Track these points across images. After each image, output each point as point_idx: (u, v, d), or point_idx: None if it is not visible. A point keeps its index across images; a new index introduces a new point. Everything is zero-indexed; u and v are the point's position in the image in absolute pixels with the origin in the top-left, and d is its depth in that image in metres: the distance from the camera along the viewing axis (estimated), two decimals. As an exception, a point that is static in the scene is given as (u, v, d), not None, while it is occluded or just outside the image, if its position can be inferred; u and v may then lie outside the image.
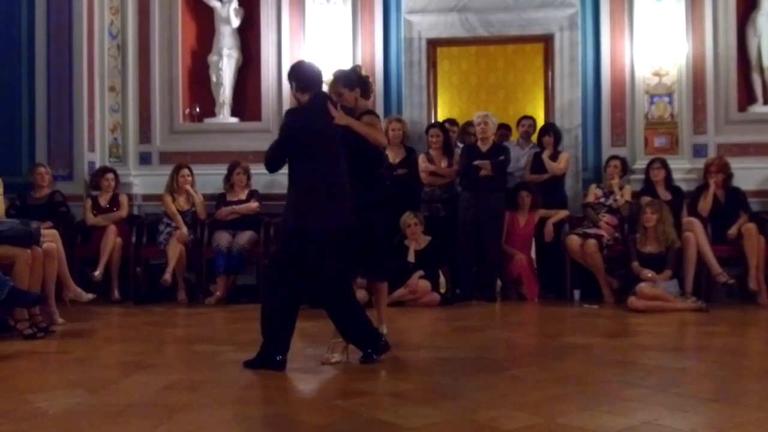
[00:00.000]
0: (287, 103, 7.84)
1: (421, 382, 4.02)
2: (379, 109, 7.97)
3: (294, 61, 7.86)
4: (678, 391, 3.74)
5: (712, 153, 7.59)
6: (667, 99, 7.63)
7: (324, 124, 4.41)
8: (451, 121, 8.06)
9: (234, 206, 7.49)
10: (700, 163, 7.48)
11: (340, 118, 4.46)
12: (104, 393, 3.87)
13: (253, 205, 7.50)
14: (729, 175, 7.26)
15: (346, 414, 3.39)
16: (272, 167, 4.48)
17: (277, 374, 4.22)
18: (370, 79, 4.85)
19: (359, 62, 7.99)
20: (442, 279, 7.47)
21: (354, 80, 4.81)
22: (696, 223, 6.99)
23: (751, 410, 3.42)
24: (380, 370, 4.29)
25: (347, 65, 7.80)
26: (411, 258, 6.98)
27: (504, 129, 8.62)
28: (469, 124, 7.88)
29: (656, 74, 7.64)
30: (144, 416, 3.41)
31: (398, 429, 3.15)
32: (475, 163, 7.09)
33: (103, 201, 7.67)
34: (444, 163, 7.44)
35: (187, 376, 4.34)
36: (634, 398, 3.63)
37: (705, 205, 7.19)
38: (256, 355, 4.33)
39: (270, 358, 4.26)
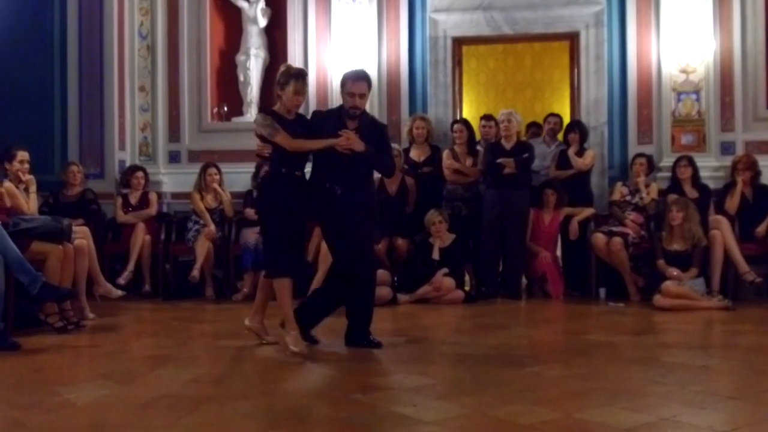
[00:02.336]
0: (313, 102, 7.91)
1: (440, 377, 4.07)
2: (404, 108, 8.07)
3: (319, 59, 8.05)
4: (698, 389, 3.73)
5: (739, 150, 7.51)
6: (694, 96, 7.57)
7: None
8: (488, 117, 7.98)
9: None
10: (728, 161, 7.41)
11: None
12: (131, 385, 3.98)
13: None
14: (757, 173, 7.18)
15: (365, 408, 3.44)
16: None
17: (299, 369, 4.31)
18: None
19: (385, 61, 8.06)
20: (467, 277, 7.53)
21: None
22: (723, 221, 6.94)
23: (769, 408, 3.42)
24: (401, 365, 4.34)
25: (373, 64, 7.93)
26: (435, 255, 7.01)
27: (535, 127, 8.63)
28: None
29: (683, 71, 7.58)
30: (169, 408, 3.50)
31: (415, 423, 3.19)
32: (499, 160, 7.10)
33: (133, 199, 7.82)
34: (468, 162, 7.46)
35: (212, 369, 4.43)
36: (654, 395, 3.63)
37: (732, 203, 7.12)
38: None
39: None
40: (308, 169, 4.97)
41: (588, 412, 3.35)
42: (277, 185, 4.79)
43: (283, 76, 4.84)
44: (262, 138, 4.81)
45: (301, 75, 4.83)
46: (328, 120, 4.89)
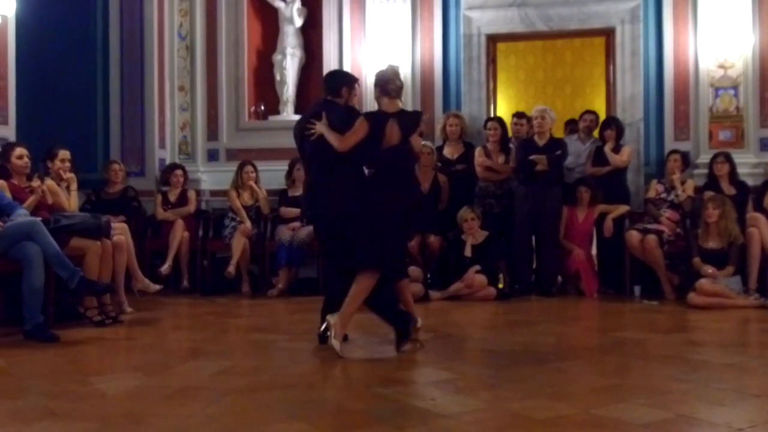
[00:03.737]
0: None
1: (462, 372, 4.10)
2: (438, 105, 8.09)
3: (354, 58, 8.13)
4: (720, 386, 3.72)
5: (779, 146, 7.39)
6: (732, 92, 7.45)
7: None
8: (520, 115, 8.00)
9: (296, 210, 7.59)
10: (767, 158, 7.28)
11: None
12: (161, 377, 4.10)
13: None
14: (797, 170, 7.06)
15: (384, 400, 3.50)
16: None
17: (326, 362, 4.39)
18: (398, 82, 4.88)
19: (419, 59, 8.11)
20: (501, 274, 7.53)
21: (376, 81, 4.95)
22: (761, 218, 6.81)
23: (792, 406, 3.38)
24: (424, 360, 4.38)
25: (407, 62, 7.99)
26: (468, 252, 7.04)
27: (572, 124, 8.58)
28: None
29: (721, 66, 7.47)
30: (194, 398, 3.61)
31: (432, 416, 3.24)
32: (531, 157, 7.10)
33: (173, 196, 8.00)
34: (501, 159, 7.46)
35: (241, 362, 4.55)
36: (675, 392, 3.62)
37: (771, 200, 7.00)
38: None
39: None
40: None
41: (605, 408, 3.36)
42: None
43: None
44: None
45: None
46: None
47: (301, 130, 4.89)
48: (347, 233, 4.65)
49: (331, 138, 4.67)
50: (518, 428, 3.09)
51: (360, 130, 4.64)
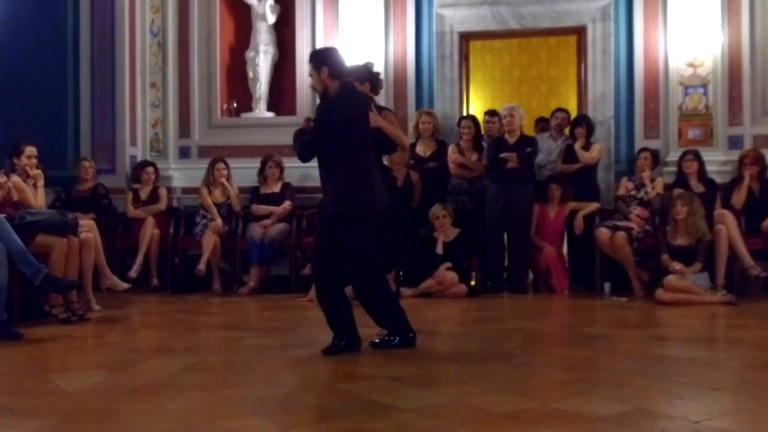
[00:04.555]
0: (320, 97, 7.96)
1: (427, 368, 4.10)
2: (411, 103, 8.09)
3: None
4: (682, 380, 3.74)
5: (747, 144, 7.44)
6: (701, 90, 7.51)
7: (357, 114, 4.52)
8: (492, 113, 8.02)
9: (268, 207, 7.63)
10: (735, 155, 7.35)
11: (374, 119, 4.62)
12: (123, 373, 4.07)
13: (287, 206, 7.63)
14: (764, 167, 7.12)
15: (346, 396, 3.50)
16: (307, 156, 4.54)
17: (291, 359, 4.38)
18: (381, 77, 4.91)
19: (392, 56, 8.11)
20: (473, 271, 7.55)
21: (365, 75, 4.92)
22: (728, 215, 6.89)
23: (748, 399, 3.41)
24: (388, 356, 4.38)
25: (380, 59, 7.98)
26: (439, 250, 7.05)
27: (543, 122, 8.61)
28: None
29: (690, 65, 7.53)
30: (156, 394, 3.58)
31: (393, 410, 3.24)
32: (502, 155, 7.12)
33: (144, 194, 7.94)
34: (474, 157, 7.48)
35: (207, 359, 4.53)
36: (636, 386, 3.65)
37: (739, 197, 7.07)
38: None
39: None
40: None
41: (566, 401, 3.38)
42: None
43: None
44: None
45: None
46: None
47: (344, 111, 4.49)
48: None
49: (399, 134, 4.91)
50: (477, 422, 3.09)
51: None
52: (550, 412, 3.23)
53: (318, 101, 4.84)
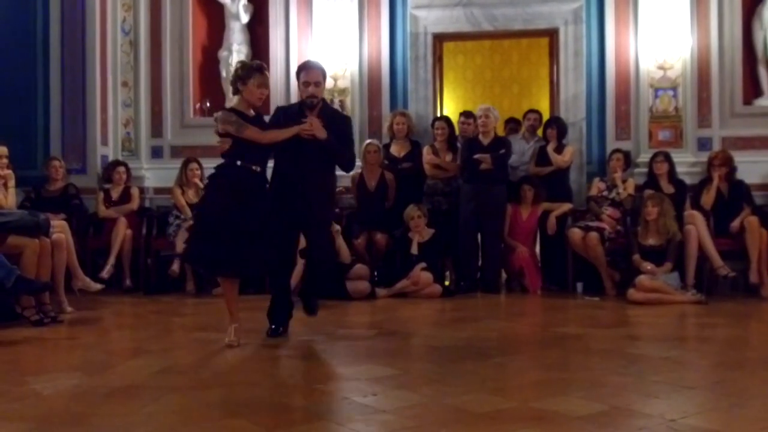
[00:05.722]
0: (294, 97, 7.95)
1: (404, 368, 4.12)
2: (385, 104, 8.12)
3: (301, 55, 8.09)
4: (656, 379, 3.80)
5: (716, 146, 7.58)
6: (671, 92, 7.64)
7: None
8: (467, 114, 8.06)
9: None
10: (704, 157, 7.48)
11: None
12: (100, 376, 4.03)
13: None
14: (732, 169, 7.26)
15: (325, 396, 3.52)
16: None
17: (269, 360, 4.37)
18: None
19: (366, 57, 8.11)
20: (447, 271, 7.59)
21: None
22: (697, 216, 7.01)
23: (721, 397, 3.48)
24: (368, 357, 4.40)
25: (354, 60, 8.00)
26: (414, 250, 7.08)
27: (513, 123, 8.69)
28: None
29: (661, 68, 7.65)
30: (133, 397, 3.56)
31: (372, 411, 3.25)
32: (476, 156, 7.17)
33: (115, 194, 7.86)
34: (448, 157, 7.52)
35: (183, 360, 4.50)
36: (612, 385, 3.70)
37: (708, 198, 7.20)
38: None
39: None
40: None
41: (544, 401, 3.42)
42: (231, 177, 4.72)
43: (243, 70, 4.79)
44: (223, 135, 4.76)
45: (261, 68, 4.82)
46: (290, 113, 4.96)
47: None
48: None
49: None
50: (458, 422, 3.12)
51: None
52: (529, 411, 3.27)
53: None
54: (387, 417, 3.16)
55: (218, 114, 4.91)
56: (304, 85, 4.89)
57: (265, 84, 4.79)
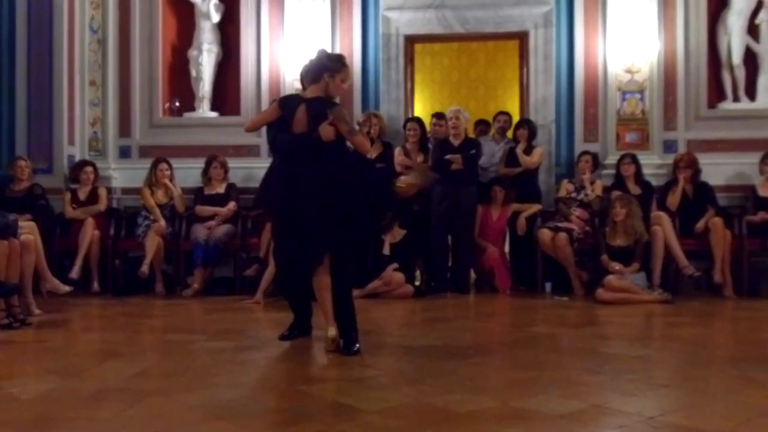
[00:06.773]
0: (266, 97, 7.96)
1: (385, 368, 4.15)
2: (357, 105, 8.13)
3: (272, 55, 8.07)
4: (631, 378, 3.88)
5: (682, 149, 7.74)
6: (638, 95, 7.78)
7: None
8: (439, 115, 8.08)
9: (213, 208, 7.57)
10: (670, 159, 7.64)
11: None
12: (77, 379, 3.98)
13: (232, 207, 7.58)
14: (697, 171, 7.42)
15: (308, 398, 3.51)
16: None
17: (247, 362, 4.36)
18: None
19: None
20: (418, 272, 7.63)
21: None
22: (664, 217, 7.15)
23: (695, 394, 3.57)
24: (346, 358, 4.40)
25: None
26: (386, 251, 7.10)
27: (482, 125, 8.76)
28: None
29: (628, 71, 7.78)
30: (114, 401, 3.52)
31: (356, 412, 3.26)
32: (447, 157, 7.23)
33: (82, 194, 7.77)
34: (420, 159, 7.57)
35: (159, 363, 4.46)
36: (588, 384, 3.76)
37: (674, 199, 7.35)
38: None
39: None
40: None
41: (524, 400, 3.46)
42: None
43: (333, 62, 4.53)
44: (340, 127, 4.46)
45: (346, 63, 4.62)
46: (315, 105, 4.54)
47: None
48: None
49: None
50: (443, 422, 3.15)
51: (268, 112, 4.77)
52: (511, 410, 3.31)
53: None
54: (372, 418, 3.17)
55: (340, 107, 4.57)
56: (342, 81, 4.56)
57: (349, 79, 4.67)
